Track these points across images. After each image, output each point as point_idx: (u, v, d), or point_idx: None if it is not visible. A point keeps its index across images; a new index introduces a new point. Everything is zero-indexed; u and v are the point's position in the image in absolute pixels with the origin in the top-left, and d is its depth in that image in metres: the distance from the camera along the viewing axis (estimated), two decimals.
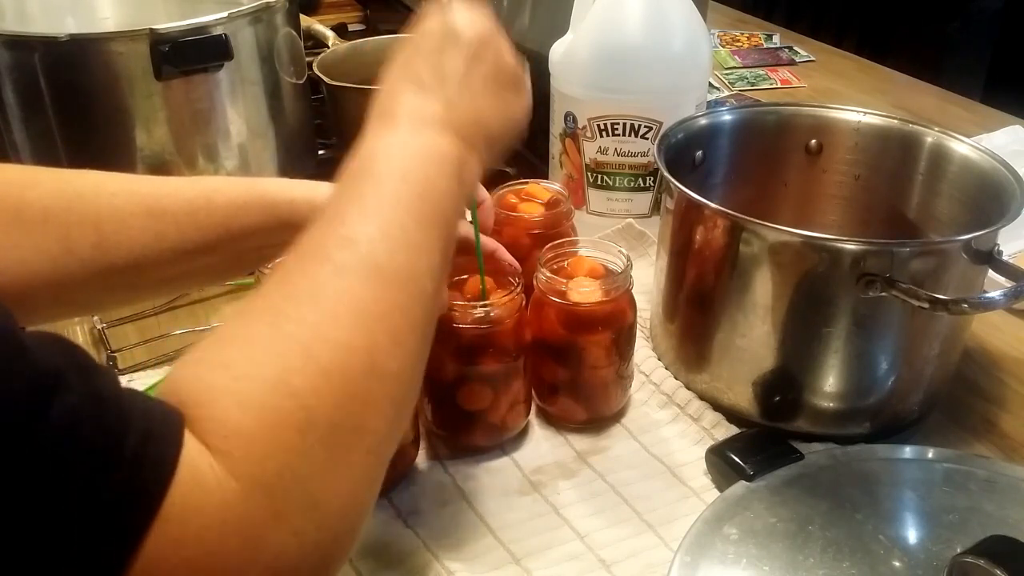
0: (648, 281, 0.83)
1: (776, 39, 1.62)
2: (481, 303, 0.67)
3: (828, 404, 0.71)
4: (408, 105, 0.50)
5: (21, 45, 0.88)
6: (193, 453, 0.35)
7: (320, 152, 1.15)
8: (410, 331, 0.43)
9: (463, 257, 0.65)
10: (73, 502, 0.31)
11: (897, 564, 0.57)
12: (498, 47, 0.54)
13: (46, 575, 0.31)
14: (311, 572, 0.38)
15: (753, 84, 1.44)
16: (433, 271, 0.45)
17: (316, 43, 1.26)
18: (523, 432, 0.74)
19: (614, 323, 0.71)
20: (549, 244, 0.75)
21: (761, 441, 0.68)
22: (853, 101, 1.16)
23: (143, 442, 0.33)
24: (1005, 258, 0.70)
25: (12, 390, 0.31)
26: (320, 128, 1.15)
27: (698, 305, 0.75)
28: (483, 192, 0.69)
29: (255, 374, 0.37)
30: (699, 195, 0.70)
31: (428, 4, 0.54)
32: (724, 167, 0.86)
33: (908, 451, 0.68)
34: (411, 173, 0.47)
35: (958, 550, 0.53)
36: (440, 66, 0.51)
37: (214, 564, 0.34)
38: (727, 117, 0.87)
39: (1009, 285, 0.65)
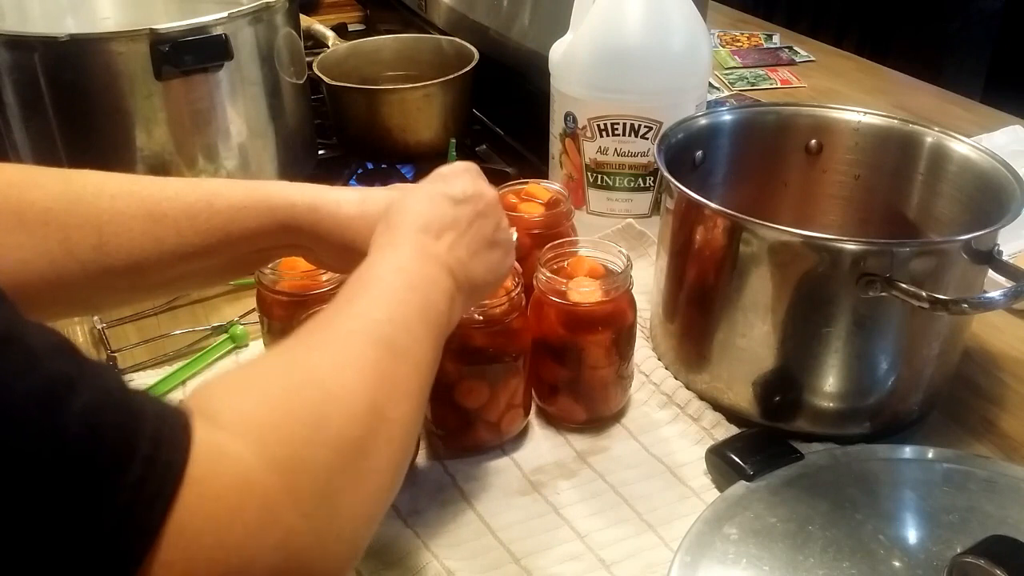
0: (648, 281, 0.83)
1: (776, 39, 1.62)
2: (480, 303, 0.67)
3: (828, 404, 0.71)
4: (416, 239, 0.55)
5: (21, 45, 0.88)
6: (211, 430, 0.37)
7: (320, 152, 1.15)
8: (406, 396, 0.47)
9: None
10: (97, 487, 0.32)
11: (897, 564, 0.57)
12: (498, 215, 0.61)
13: (73, 553, 0.32)
14: (315, 563, 0.39)
15: (753, 84, 1.44)
16: (428, 364, 0.51)
17: (316, 43, 1.26)
18: (523, 432, 0.74)
19: (614, 323, 0.71)
20: (549, 244, 0.75)
21: (761, 441, 0.68)
22: (853, 101, 1.16)
23: (159, 422, 0.35)
24: (1005, 258, 0.70)
25: (32, 389, 0.32)
26: (320, 128, 1.15)
27: (698, 305, 0.75)
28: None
29: (272, 385, 0.43)
30: (699, 195, 0.70)
31: (452, 165, 0.62)
32: (724, 167, 0.86)
33: (908, 451, 0.68)
34: (417, 287, 0.52)
35: (958, 550, 0.53)
36: (447, 217, 0.57)
37: (235, 524, 0.36)
38: (727, 117, 0.87)
39: (1009, 285, 0.65)
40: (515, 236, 0.64)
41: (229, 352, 0.83)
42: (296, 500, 0.38)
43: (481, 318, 0.67)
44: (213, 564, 0.35)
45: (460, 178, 0.60)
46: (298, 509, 0.38)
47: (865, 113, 0.83)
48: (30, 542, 0.31)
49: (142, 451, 0.34)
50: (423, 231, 0.56)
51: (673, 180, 0.72)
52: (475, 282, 0.58)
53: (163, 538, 0.33)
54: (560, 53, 0.94)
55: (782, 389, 0.72)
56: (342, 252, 0.60)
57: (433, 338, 0.52)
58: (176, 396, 0.77)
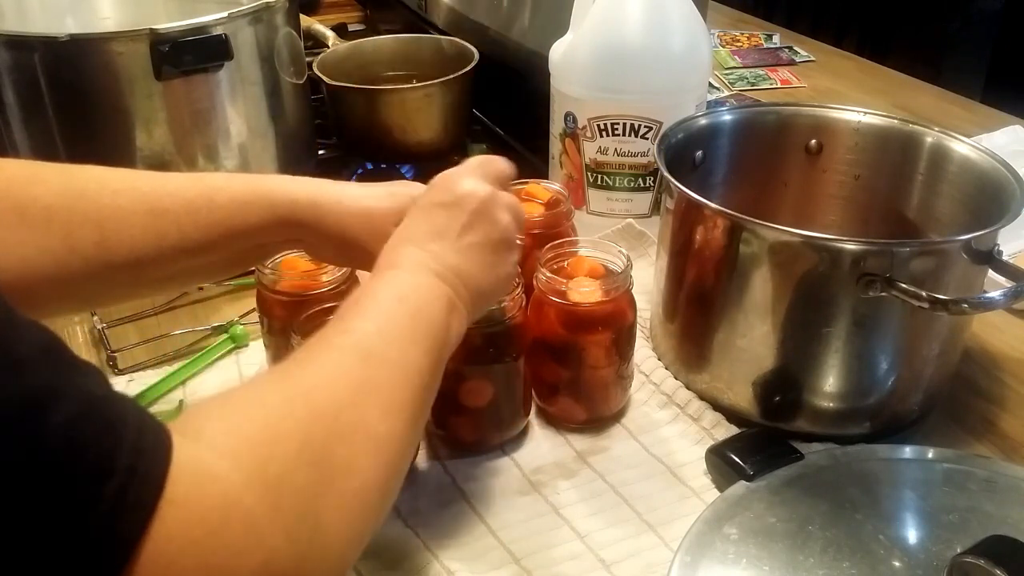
0: (648, 281, 0.83)
1: (776, 39, 1.62)
2: None
3: (828, 404, 0.71)
4: (405, 254, 0.55)
5: (21, 45, 0.88)
6: (194, 448, 0.36)
7: (320, 152, 1.15)
8: (400, 408, 0.47)
9: None
10: (82, 493, 0.32)
11: (897, 564, 0.57)
12: (494, 213, 0.58)
13: (48, 569, 0.32)
14: None
15: (753, 84, 1.44)
16: (422, 371, 0.49)
17: (316, 43, 1.26)
18: (523, 432, 0.74)
19: (614, 323, 0.71)
20: (549, 244, 0.75)
21: (761, 441, 0.68)
22: (853, 101, 1.16)
23: (139, 436, 0.35)
24: (1005, 258, 0.70)
25: (11, 400, 0.31)
26: (320, 128, 1.15)
27: (698, 305, 0.75)
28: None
29: (260, 402, 0.42)
30: (699, 195, 0.70)
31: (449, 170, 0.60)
32: (724, 167, 0.86)
33: (908, 451, 0.68)
34: (407, 298, 0.52)
35: (958, 550, 0.53)
36: (436, 225, 0.56)
37: (216, 547, 0.35)
38: (727, 117, 0.87)
39: (1009, 285, 0.65)
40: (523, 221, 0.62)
41: (229, 352, 0.83)
42: (280, 520, 0.38)
43: (481, 318, 0.67)
44: None
45: (451, 182, 0.59)
46: (282, 529, 0.38)
47: (865, 113, 0.83)
48: (7, 554, 0.31)
49: (122, 463, 0.33)
50: (412, 243, 0.55)
51: (673, 180, 0.72)
52: (478, 287, 0.57)
53: (141, 559, 0.33)
54: (560, 53, 0.94)
55: (782, 389, 0.72)
56: (343, 247, 0.61)
57: (427, 348, 0.50)
58: (176, 396, 0.77)
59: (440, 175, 0.60)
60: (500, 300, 0.66)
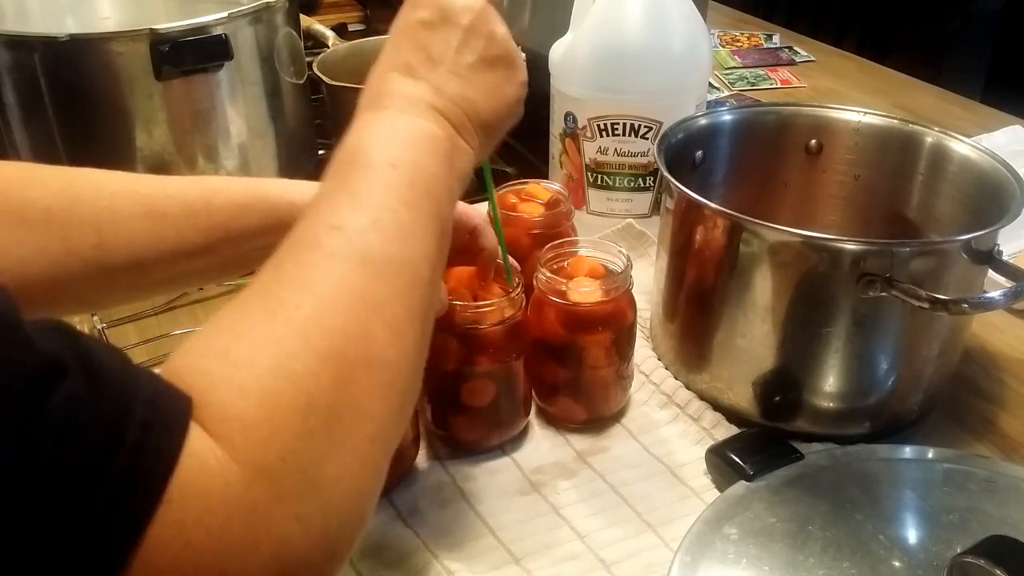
0: (648, 281, 0.83)
1: (776, 39, 1.62)
2: (481, 303, 0.67)
3: (828, 404, 0.71)
4: (395, 89, 0.48)
5: (21, 45, 0.88)
6: (195, 439, 0.34)
7: (320, 152, 1.15)
8: (408, 321, 0.42)
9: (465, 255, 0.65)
10: (75, 489, 0.31)
11: (897, 564, 0.57)
12: (490, 26, 0.51)
13: (47, 562, 0.31)
14: (316, 561, 0.37)
15: (753, 84, 1.44)
16: (428, 257, 0.44)
17: (316, 43, 1.26)
18: (523, 432, 0.74)
19: (614, 323, 0.71)
20: (549, 244, 0.75)
21: (761, 441, 0.68)
22: (853, 101, 1.16)
23: (144, 430, 0.33)
24: (1005, 258, 0.70)
25: (12, 378, 0.30)
26: (320, 128, 1.15)
27: (698, 305, 0.75)
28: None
29: (253, 360, 0.37)
30: (699, 195, 0.70)
31: None
32: (724, 167, 0.86)
33: (908, 451, 0.68)
34: (400, 159, 0.45)
35: (958, 550, 0.53)
36: (428, 48, 0.50)
37: (217, 548, 0.34)
38: (727, 117, 0.87)
39: (1009, 285, 0.65)
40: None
41: None
42: (287, 505, 0.35)
43: (481, 318, 0.67)
44: None
45: None
46: (290, 515, 0.35)
47: (865, 113, 0.83)
48: (7, 538, 0.30)
49: (129, 439, 0.32)
50: (403, 74, 0.48)
51: (673, 180, 0.72)
52: (482, 115, 0.50)
53: (138, 565, 0.32)
54: (560, 53, 0.94)
55: (782, 389, 0.72)
56: None
57: (432, 228, 0.45)
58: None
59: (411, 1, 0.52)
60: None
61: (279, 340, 0.38)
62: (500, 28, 0.52)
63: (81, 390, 0.32)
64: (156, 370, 0.36)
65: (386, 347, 0.40)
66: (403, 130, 0.47)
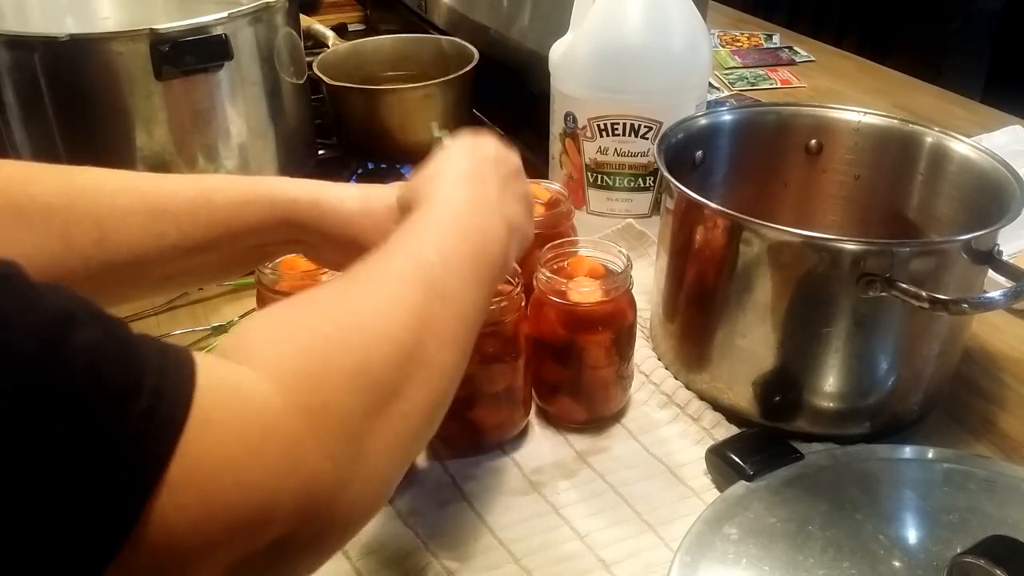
0: (648, 281, 0.83)
1: (776, 39, 1.62)
2: None
3: (828, 404, 0.71)
4: (465, 187, 0.55)
5: (21, 45, 0.88)
6: (232, 372, 0.37)
7: (320, 152, 1.15)
8: (452, 342, 0.47)
9: None
10: (105, 419, 0.32)
11: (897, 564, 0.57)
12: (524, 178, 0.62)
13: (84, 487, 0.31)
14: (339, 507, 0.39)
15: (753, 84, 1.44)
16: (477, 308, 0.50)
17: (316, 43, 1.26)
18: (523, 432, 0.74)
19: (614, 323, 0.71)
20: (549, 244, 0.75)
21: (761, 441, 0.68)
22: (853, 101, 1.16)
23: (162, 360, 0.35)
24: (1005, 258, 0.70)
25: (34, 325, 0.31)
26: (320, 128, 1.15)
27: (698, 305, 0.75)
28: None
29: (314, 328, 0.42)
30: (699, 195, 0.70)
31: (464, 135, 0.61)
32: (724, 167, 0.86)
33: (908, 451, 0.68)
34: (470, 235, 0.52)
35: (958, 550, 0.53)
36: (485, 170, 0.57)
37: (256, 464, 0.35)
38: (727, 117, 0.87)
39: (1009, 285, 0.65)
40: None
41: None
42: (323, 443, 0.38)
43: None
44: (230, 503, 0.34)
45: (488, 140, 0.61)
46: (324, 453, 0.38)
47: (865, 113, 0.83)
48: (35, 478, 0.30)
49: (148, 383, 0.33)
50: (470, 180, 0.56)
51: (673, 180, 0.72)
52: (524, 232, 0.59)
53: (174, 476, 0.33)
54: (560, 53, 0.94)
55: (782, 389, 0.72)
56: (344, 248, 0.60)
57: (484, 286, 0.51)
58: None
59: (466, 137, 0.61)
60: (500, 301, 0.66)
61: (340, 318, 0.43)
62: (525, 182, 0.63)
63: (98, 337, 0.33)
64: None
65: (431, 355, 0.45)
66: (474, 216, 0.54)
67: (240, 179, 0.61)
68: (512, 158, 0.61)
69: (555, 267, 0.73)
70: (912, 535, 0.61)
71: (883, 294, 0.64)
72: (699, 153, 0.83)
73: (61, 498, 0.31)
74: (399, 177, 1.12)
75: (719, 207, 0.70)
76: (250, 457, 0.35)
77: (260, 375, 0.38)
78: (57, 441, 0.31)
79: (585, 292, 0.70)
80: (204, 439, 0.34)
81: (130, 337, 0.35)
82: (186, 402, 0.34)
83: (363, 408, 0.40)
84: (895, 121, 0.83)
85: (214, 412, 0.35)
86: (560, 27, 0.95)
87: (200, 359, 0.36)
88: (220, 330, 0.85)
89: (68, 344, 0.32)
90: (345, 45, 1.21)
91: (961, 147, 0.78)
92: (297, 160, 1.05)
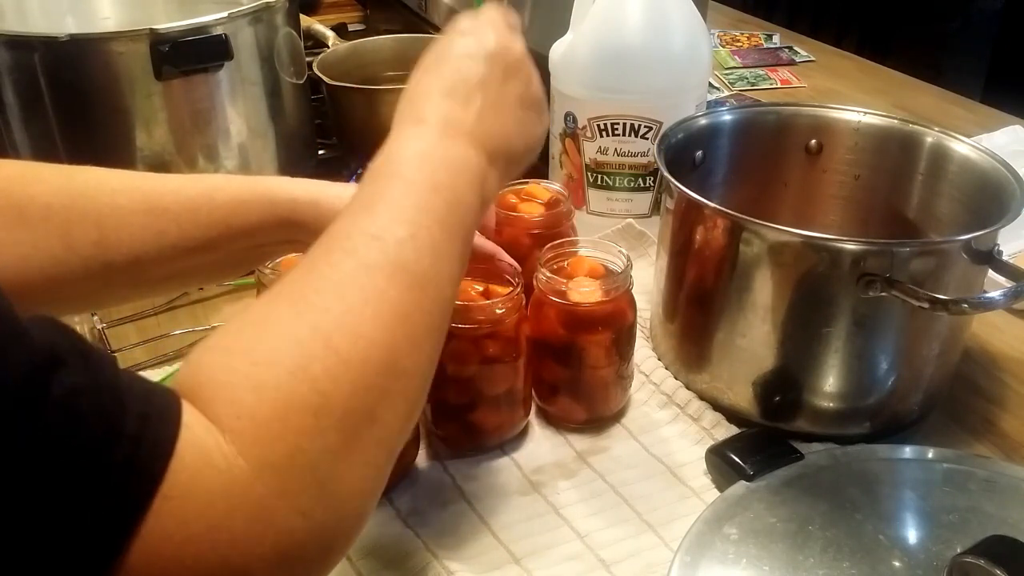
0: (648, 281, 0.83)
1: (776, 39, 1.62)
2: (481, 303, 0.67)
3: (828, 404, 0.71)
4: (439, 109, 0.51)
5: (21, 45, 0.88)
6: (200, 433, 0.35)
7: (320, 152, 1.15)
8: (427, 334, 0.44)
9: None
10: (72, 479, 0.31)
11: (897, 564, 0.57)
12: (528, 69, 0.55)
13: (44, 552, 0.31)
14: (316, 554, 0.38)
15: (753, 84, 1.44)
16: (452, 278, 0.47)
17: (316, 43, 1.26)
18: (523, 432, 0.74)
19: (614, 323, 0.71)
20: (549, 244, 0.75)
21: (761, 441, 0.68)
22: (853, 101, 1.16)
23: (142, 422, 0.33)
24: (1005, 258, 0.70)
25: (12, 368, 0.31)
26: (320, 128, 1.15)
27: (698, 305, 0.75)
28: None
29: (274, 360, 0.38)
30: (699, 195, 0.70)
31: (465, 15, 0.55)
32: (724, 167, 0.86)
33: (908, 451, 0.68)
34: (442, 184, 0.47)
35: (958, 550, 0.53)
36: (473, 79, 0.52)
37: (219, 540, 0.34)
38: (727, 117, 0.87)
39: (1009, 285, 0.65)
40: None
41: None
42: (292, 500, 0.36)
43: (481, 318, 0.67)
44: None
45: (484, 31, 0.54)
46: (294, 508, 0.36)
47: (865, 113, 0.83)
48: (8, 526, 0.30)
49: (129, 430, 0.32)
50: (448, 96, 0.51)
51: (673, 180, 0.72)
52: (511, 153, 0.53)
53: (135, 559, 0.32)
54: (560, 53, 0.94)
55: (782, 389, 0.72)
56: None
57: (460, 251, 0.47)
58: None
59: (465, 21, 0.55)
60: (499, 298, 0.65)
61: (303, 341, 0.39)
62: (537, 78, 0.55)
63: (80, 380, 0.32)
64: (156, 371, 0.37)
65: (406, 357, 0.42)
66: (446, 156, 0.49)
67: (240, 179, 0.61)
68: (514, 48, 0.54)
69: (555, 267, 0.73)
70: (912, 535, 0.61)
71: (883, 294, 0.64)
72: (699, 153, 0.83)
73: (28, 550, 0.30)
74: None
75: (719, 207, 0.70)
76: (213, 532, 0.34)
77: (223, 429, 0.35)
78: (25, 491, 0.30)
79: (585, 292, 0.70)
80: (165, 518, 0.33)
81: (114, 380, 0.34)
82: (161, 465, 0.33)
83: (332, 449, 0.37)
84: (895, 121, 0.83)
85: (179, 486, 0.33)
86: (560, 27, 0.95)
87: (185, 413, 0.35)
88: None
89: (48, 389, 0.31)
90: (345, 45, 1.21)
91: (961, 147, 0.78)
92: (297, 160, 1.05)
